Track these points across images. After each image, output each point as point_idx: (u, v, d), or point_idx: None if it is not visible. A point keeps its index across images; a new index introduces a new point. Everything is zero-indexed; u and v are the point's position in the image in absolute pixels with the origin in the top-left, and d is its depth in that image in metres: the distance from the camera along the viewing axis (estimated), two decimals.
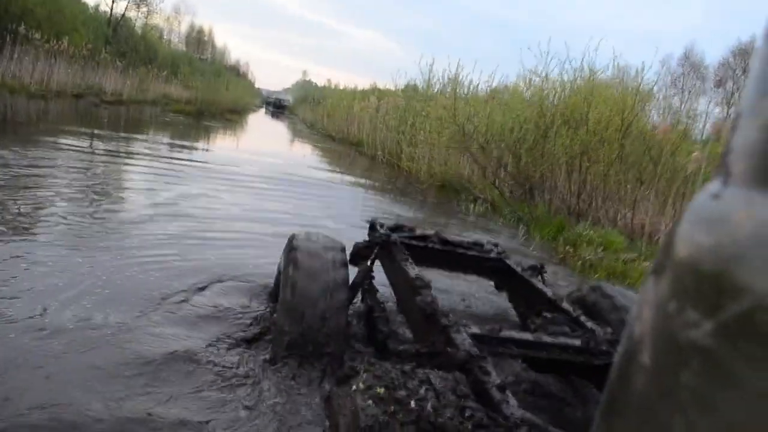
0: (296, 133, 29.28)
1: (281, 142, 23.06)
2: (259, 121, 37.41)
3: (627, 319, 0.54)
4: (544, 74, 10.51)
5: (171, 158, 10.12)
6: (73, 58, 19.98)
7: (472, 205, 10.10)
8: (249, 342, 3.00)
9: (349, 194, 10.28)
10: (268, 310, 3.42)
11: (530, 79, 11.21)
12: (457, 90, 12.13)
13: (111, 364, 2.57)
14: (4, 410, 2.12)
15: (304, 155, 17.38)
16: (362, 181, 12.41)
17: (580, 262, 6.24)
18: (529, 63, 22.18)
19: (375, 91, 24.43)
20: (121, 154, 9.65)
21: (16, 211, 4.70)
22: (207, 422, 2.26)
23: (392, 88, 19.49)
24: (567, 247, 6.79)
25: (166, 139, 13.90)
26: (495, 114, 11.18)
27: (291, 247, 3.01)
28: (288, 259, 2.97)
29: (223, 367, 2.71)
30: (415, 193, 11.40)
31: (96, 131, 12.31)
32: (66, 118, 14.20)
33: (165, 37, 46.11)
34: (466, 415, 1.56)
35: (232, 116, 29.15)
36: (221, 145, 15.96)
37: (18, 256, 3.66)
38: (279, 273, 3.32)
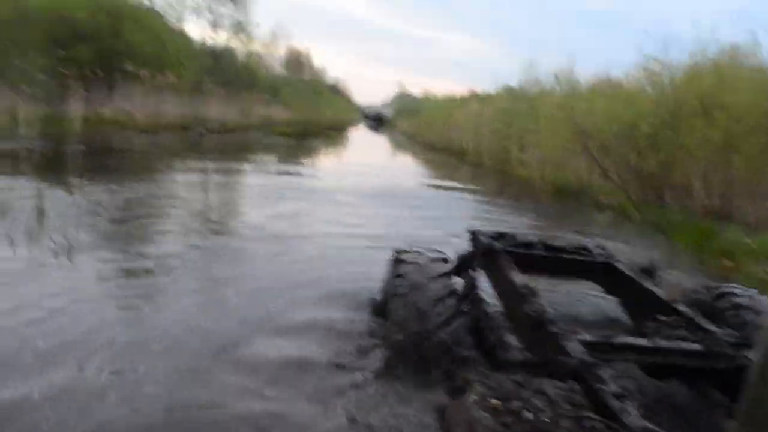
0: (397, 145, 29.00)
1: (382, 154, 22.80)
2: (359, 135, 37.62)
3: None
4: (668, 60, 9.36)
5: (278, 177, 9.85)
6: (178, 91, 20.61)
7: (595, 212, 9.13)
8: (359, 353, 3.08)
9: (458, 205, 9.62)
10: (375, 323, 3.47)
11: (651, 68, 10.03)
12: (570, 86, 11.14)
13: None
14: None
15: (407, 167, 16.93)
16: (471, 189, 11.69)
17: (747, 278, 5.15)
18: (645, 50, 20.56)
19: (474, 98, 23.65)
20: (229, 181, 9.49)
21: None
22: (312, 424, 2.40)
23: (491, 92, 18.69)
24: (724, 260, 5.73)
25: (272, 161, 13.87)
26: (614, 109, 10.09)
27: (397, 261, 3.19)
28: (394, 273, 3.12)
29: (336, 375, 2.83)
30: (530, 201, 10.53)
31: (204, 159, 12.39)
32: (175, 149, 14.49)
33: (264, 62, 47.48)
34: (584, 425, 1.52)
35: (332, 133, 29.36)
36: (325, 162, 15.83)
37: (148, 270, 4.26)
38: (386, 286, 3.45)
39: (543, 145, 11.65)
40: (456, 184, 12.57)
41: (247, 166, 12.40)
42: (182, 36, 27.16)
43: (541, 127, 11.69)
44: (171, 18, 23.88)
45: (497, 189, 12.16)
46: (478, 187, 12.21)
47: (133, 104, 18.31)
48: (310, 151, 19.09)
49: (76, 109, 16.77)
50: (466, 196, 10.82)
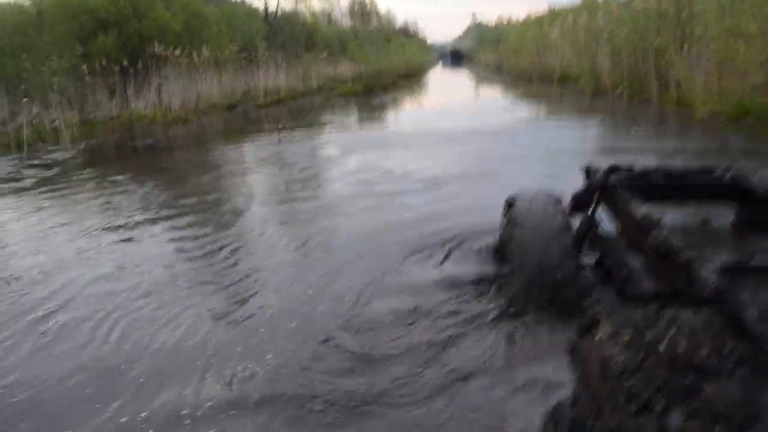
0: (482, 80, 24.95)
1: (468, 93, 18.95)
2: (438, 76, 33.54)
3: None
4: None
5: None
6: (223, 67, 17.83)
7: None
8: (480, 296, 3.12)
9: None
10: (496, 268, 3.42)
11: None
12: None
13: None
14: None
15: (503, 108, 13.13)
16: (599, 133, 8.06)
17: None
18: None
19: (561, 14, 19.36)
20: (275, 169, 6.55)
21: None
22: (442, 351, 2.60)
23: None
24: None
25: (327, 134, 10.67)
26: None
27: (510, 206, 3.17)
28: (509, 218, 3.13)
29: (460, 313, 2.93)
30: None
31: (242, 144, 9.48)
32: (209, 136, 11.68)
33: (326, 19, 44.22)
34: (725, 352, 1.42)
35: (407, 81, 25.63)
36: (399, 116, 12.50)
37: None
38: (502, 231, 3.40)
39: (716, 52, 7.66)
40: (572, 122, 8.92)
41: (301, 146, 9.35)
42: (225, 2, 24.51)
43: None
44: None
45: (650, 130, 8.35)
46: (611, 128, 8.48)
47: (170, 91, 15.85)
48: (379, 108, 15.69)
49: (109, 107, 14.81)
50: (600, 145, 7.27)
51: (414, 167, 6.83)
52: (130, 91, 15.29)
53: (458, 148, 8.15)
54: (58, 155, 9.76)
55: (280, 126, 12.45)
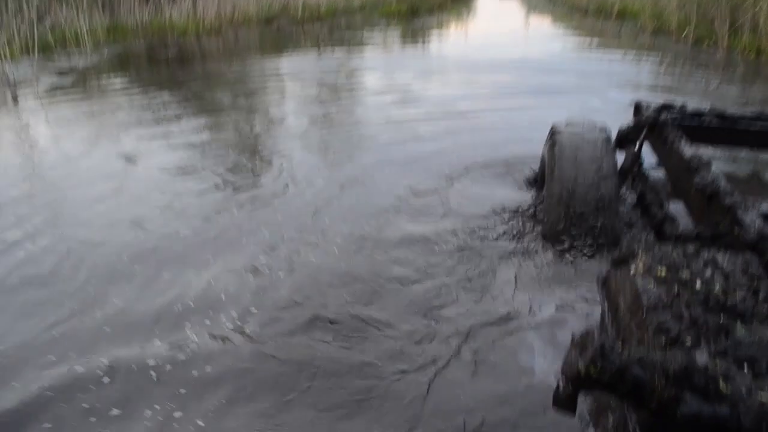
0: (534, 8, 23.48)
1: (518, 22, 17.82)
2: (488, 2, 31.71)
3: None
4: None
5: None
6: None
7: None
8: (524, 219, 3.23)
9: None
10: (535, 195, 3.51)
11: None
12: None
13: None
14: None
15: (553, 39, 12.19)
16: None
17: None
18: None
19: None
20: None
21: None
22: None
23: None
24: None
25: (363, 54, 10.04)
26: None
27: (555, 134, 3.06)
28: (553, 146, 3.00)
29: (502, 239, 3.04)
30: None
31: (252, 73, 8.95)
32: (236, 50, 11.12)
33: None
34: (761, 296, 1.40)
35: (454, 5, 24.24)
36: (445, 44, 11.75)
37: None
38: (544, 159, 3.30)
39: None
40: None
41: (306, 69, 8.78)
42: None
43: None
44: None
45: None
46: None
47: (204, 0, 15.15)
48: (421, 33, 14.80)
49: (142, 13, 14.23)
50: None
51: (450, 95, 6.68)
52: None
53: (499, 79, 7.56)
54: (74, 62, 9.37)
55: (313, 43, 11.82)
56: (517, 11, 23.71)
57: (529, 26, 17.35)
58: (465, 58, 9.84)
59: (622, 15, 14.65)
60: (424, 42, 13.09)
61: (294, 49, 11.32)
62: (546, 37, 13.20)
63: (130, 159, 4.66)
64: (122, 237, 3.29)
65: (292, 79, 8.14)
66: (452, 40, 13.68)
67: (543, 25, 17.48)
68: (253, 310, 2.51)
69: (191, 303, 2.58)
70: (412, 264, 2.86)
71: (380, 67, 9.08)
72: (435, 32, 15.08)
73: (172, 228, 3.38)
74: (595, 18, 16.63)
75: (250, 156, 4.73)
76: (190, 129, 5.48)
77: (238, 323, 2.41)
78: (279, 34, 13.81)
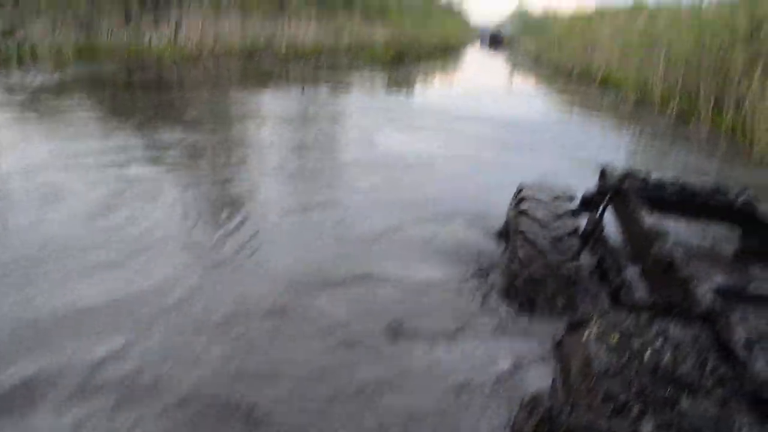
0: (518, 68, 23.63)
1: (501, 80, 17.79)
2: (473, 57, 32.03)
3: None
4: None
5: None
6: (248, 11, 16.76)
7: None
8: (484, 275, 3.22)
9: None
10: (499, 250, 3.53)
11: None
12: None
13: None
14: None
15: (535, 100, 12.03)
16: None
17: None
18: None
19: (611, 12, 18.14)
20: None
21: None
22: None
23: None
24: None
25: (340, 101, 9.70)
26: None
27: (520, 196, 3.14)
28: (516, 207, 3.07)
29: (461, 294, 3.02)
30: None
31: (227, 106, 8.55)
32: (204, 81, 10.72)
33: None
34: (708, 369, 1.45)
35: (441, 56, 24.31)
36: (426, 93, 11.49)
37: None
38: (509, 219, 3.38)
39: None
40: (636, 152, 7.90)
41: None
42: None
43: None
44: None
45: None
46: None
47: (188, 27, 14.87)
48: (404, 80, 14.61)
49: (120, 35, 13.87)
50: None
51: (422, 148, 6.51)
52: (145, 21, 14.36)
53: (472, 132, 7.29)
54: (31, 79, 8.89)
55: (290, 81, 11.50)
56: (502, 67, 23.87)
57: (513, 86, 17.31)
58: (435, 110, 9.51)
59: (606, 82, 14.65)
60: (405, 91, 12.85)
61: (271, 86, 10.96)
62: (529, 98, 13.05)
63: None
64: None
65: (254, 120, 7.73)
66: (429, 93, 13.39)
67: (528, 85, 17.46)
68: None
69: None
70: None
71: (353, 113, 8.74)
72: (418, 82, 14.90)
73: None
74: (578, 83, 16.66)
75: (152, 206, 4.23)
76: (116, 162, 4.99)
77: None
78: (258, 69, 13.48)
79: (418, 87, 13.62)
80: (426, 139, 6.98)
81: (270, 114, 8.08)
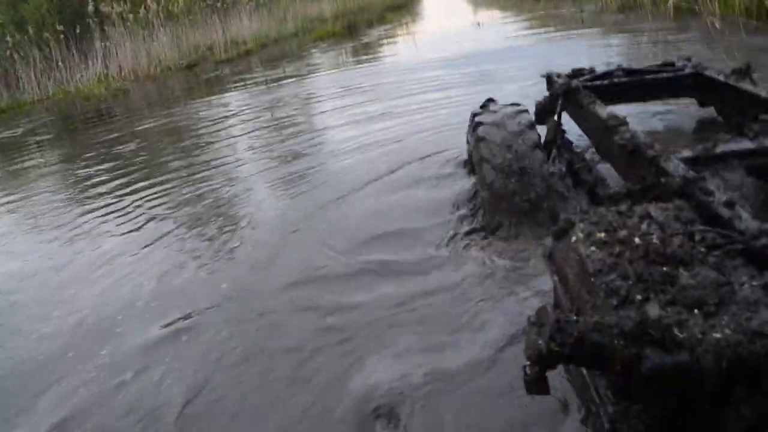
0: (481, 3, 21.91)
1: (466, 19, 16.12)
2: (432, 3, 30.19)
3: None
4: None
5: None
6: (178, 20, 15.34)
7: None
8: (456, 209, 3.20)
9: None
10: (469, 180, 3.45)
11: None
12: None
13: None
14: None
15: (505, 37, 10.52)
16: None
17: None
18: None
19: None
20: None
21: None
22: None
23: None
24: None
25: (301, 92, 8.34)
26: None
27: (475, 122, 3.06)
28: (475, 135, 3.01)
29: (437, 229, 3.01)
30: None
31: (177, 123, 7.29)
32: (135, 110, 9.44)
33: None
34: (697, 239, 1.45)
35: (395, 14, 22.67)
36: (387, 58, 10.14)
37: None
38: (470, 148, 3.34)
39: None
40: None
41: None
42: None
43: None
44: None
45: None
46: None
47: (116, 56, 13.60)
48: (361, 50, 13.16)
49: (45, 84, 12.68)
50: None
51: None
52: (69, 62, 13.11)
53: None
54: None
55: (229, 85, 10.22)
56: (465, 7, 22.24)
57: (480, 24, 15.77)
58: (398, 83, 8.09)
59: None
60: (359, 64, 11.37)
61: (215, 94, 9.68)
62: (497, 35, 11.59)
63: None
64: None
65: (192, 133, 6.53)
66: (390, 59, 11.79)
67: (493, 17, 15.92)
68: None
69: None
70: None
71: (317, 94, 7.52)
72: (374, 49, 13.47)
73: None
74: (546, 1, 15.13)
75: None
76: None
77: None
78: (198, 81, 12.15)
79: (373, 56, 12.17)
80: (385, 128, 5.70)
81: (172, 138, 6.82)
